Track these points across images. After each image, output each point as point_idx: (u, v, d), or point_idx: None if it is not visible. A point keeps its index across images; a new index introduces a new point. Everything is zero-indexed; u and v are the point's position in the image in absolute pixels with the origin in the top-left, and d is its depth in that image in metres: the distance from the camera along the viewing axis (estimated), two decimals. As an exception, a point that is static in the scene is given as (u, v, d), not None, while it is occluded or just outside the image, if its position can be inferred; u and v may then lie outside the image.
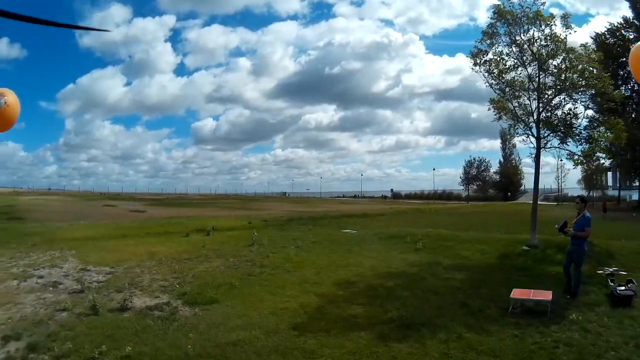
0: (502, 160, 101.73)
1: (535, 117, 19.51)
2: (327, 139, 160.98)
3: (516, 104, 20.01)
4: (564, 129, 19.27)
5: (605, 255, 16.40)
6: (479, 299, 11.35)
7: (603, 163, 60.23)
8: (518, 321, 9.46)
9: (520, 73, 19.82)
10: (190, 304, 11.21)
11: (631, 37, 52.55)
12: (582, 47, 18.90)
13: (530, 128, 19.77)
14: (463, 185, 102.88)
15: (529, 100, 19.75)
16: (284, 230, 29.20)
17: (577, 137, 19.29)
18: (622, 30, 54.06)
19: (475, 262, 16.50)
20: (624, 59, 52.35)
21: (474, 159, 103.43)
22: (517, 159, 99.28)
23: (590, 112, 19.24)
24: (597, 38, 55.13)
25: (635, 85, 52.24)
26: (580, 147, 19.41)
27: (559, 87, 18.88)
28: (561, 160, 65.23)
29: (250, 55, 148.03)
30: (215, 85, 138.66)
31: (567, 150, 19.70)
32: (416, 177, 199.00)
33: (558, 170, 73.11)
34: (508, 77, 19.89)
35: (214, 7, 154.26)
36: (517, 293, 10.68)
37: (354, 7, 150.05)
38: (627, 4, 53.55)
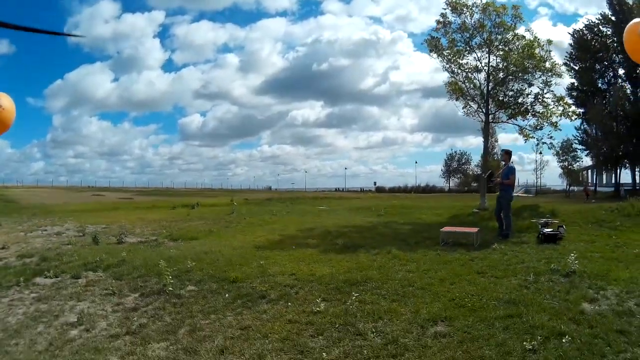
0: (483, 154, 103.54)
1: (485, 95, 21.82)
2: (314, 135, 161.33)
3: (470, 85, 22.39)
4: (514, 106, 21.57)
5: (549, 213, 18.15)
6: (417, 238, 13.36)
7: (581, 159, 62.80)
8: (446, 249, 11.22)
9: (468, 56, 22.22)
10: (174, 240, 13.53)
11: (609, 32, 54.59)
12: (527, 32, 21.26)
13: (481, 105, 22.13)
14: (444, 177, 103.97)
15: (478, 81, 22.20)
16: (263, 206, 31.43)
17: (525, 113, 21.44)
18: (600, 26, 55.65)
19: (427, 221, 18.69)
20: (601, 54, 54.66)
21: (455, 152, 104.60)
22: (500, 153, 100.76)
23: (535, 90, 21.34)
24: (575, 34, 57.12)
25: (612, 79, 54.39)
26: (527, 122, 21.65)
27: (507, 69, 21.15)
28: (540, 153, 68.06)
29: (239, 52, 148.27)
30: (203, 81, 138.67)
31: (516, 124, 22.00)
32: (403, 174, 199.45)
33: (537, 163, 74.67)
34: (462, 61, 22.28)
35: (203, 4, 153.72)
36: (446, 229, 12.69)
37: (343, 4, 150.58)
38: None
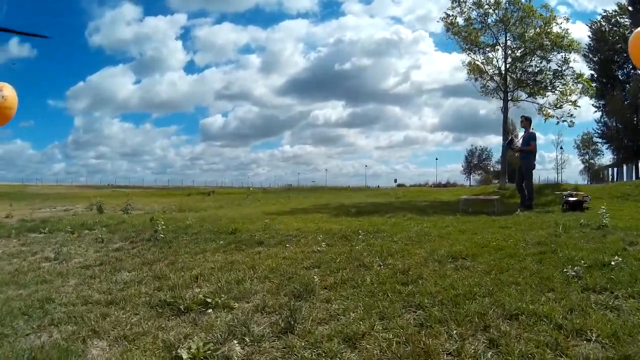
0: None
1: (503, 73, 21.24)
2: (336, 135, 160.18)
3: (487, 64, 21.90)
4: (532, 84, 20.87)
5: (572, 189, 17.21)
6: (435, 209, 12.53)
7: (602, 153, 61.49)
8: (465, 215, 10.39)
9: (485, 33, 21.65)
10: (182, 211, 13.02)
11: (626, 23, 53.18)
12: (543, 7, 20.61)
13: (499, 84, 21.50)
14: (465, 174, 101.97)
15: (495, 58, 21.66)
16: (280, 193, 31.01)
17: (544, 89, 20.72)
18: (617, 17, 54.34)
19: (445, 200, 17.81)
20: (620, 45, 53.34)
21: (476, 147, 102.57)
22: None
23: (554, 66, 20.59)
24: (593, 25, 55.76)
25: (632, 71, 52.83)
26: (546, 100, 20.86)
27: (524, 45, 20.60)
28: (562, 148, 66.78)
29: (260, 53, 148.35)
30: (224, 82, 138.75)
31: (535, 102, 21.16)
32: (424, 173, 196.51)
33: (557, 159, 73.17)
34: (479, 39, 21.72)
35: (224, 6, 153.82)
36: (466, 197, 11.95)
37: (364, 5, 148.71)
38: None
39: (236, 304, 3.55)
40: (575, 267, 4.02)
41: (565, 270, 4.05)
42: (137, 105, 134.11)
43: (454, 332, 2.81)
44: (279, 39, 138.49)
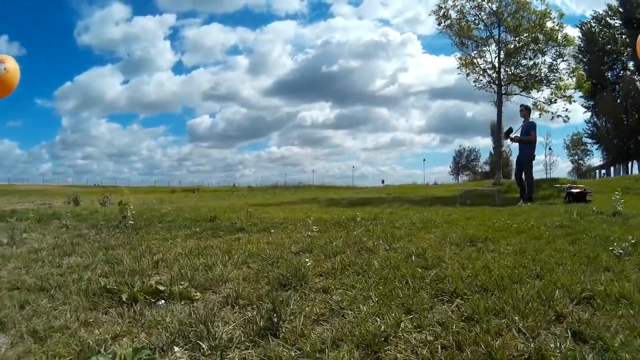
0: (492, 151, 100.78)
1: (496, 65, 20.79)
2: (323, 137, 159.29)
3: (481, 61, 21.46)
4: (526, 79, 20.41)
5: (570, 183, 16.76)
6: (432, 203, 11.99)
7: (592, 153, 61.51)
8: (464, 207, 9.84)
9: (479, 25, 21.24)
10: (166, 204, 12.12)
11: (617, 24, 53.09)
12: (538, 1, 20.23)
13: (493, 78, 21.06)
14: (453, 175, 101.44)
15: (490, 54, 21.22)
16: (267, 191, 30.21)
17: (539, 83, 20.29)
18: (607, 18, 54.19)
19: (440, 195, 17.14)
20: (610, 46, 53.26)
21: (464, 148, 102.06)
22: (508, 150, 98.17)
23: (548, 59, 20.22)
24: (583, 26, 55.50)
25: (622, 71, 52.81)
26: (540, 94, 20.49)
27: (518, 37, 20.25)
28: (550, 149, 66.69)
29: (248, 54, 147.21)
30: (212, 83, 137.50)
31: (531, 98, 20.73)
32: (411, 175, 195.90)
33: (546, 161, 73.00)
34: (472, 33, 21.27)
35: (214, 6, 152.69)
36: (464, 188, 11.35)
37: (353, 7, 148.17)
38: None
39: (199, 293, 2.65)
40: (624, 244, 3.38)
41: (611, 248, 3.42)
42: (124, 105, 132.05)
43: (520, 325, 1.96)
44: (268, 40, 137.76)
